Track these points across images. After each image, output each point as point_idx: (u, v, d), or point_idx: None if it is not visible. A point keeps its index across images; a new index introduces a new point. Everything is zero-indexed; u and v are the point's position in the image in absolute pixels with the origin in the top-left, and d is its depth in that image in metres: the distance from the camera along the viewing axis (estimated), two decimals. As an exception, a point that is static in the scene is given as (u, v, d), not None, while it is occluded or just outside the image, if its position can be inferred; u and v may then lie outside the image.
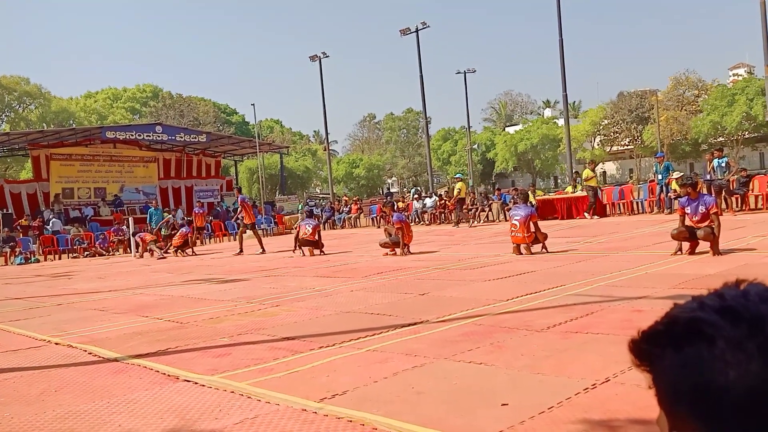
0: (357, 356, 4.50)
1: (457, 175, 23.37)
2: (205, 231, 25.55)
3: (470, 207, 22.73)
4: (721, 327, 0.61)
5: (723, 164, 15.92)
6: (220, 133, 45.40)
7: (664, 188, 17.47)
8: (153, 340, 5.64)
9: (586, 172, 19.10)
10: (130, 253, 20.99)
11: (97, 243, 22.87)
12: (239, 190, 19.18)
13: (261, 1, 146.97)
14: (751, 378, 0.59)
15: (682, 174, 13.23)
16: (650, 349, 0.65)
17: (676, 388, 0.63)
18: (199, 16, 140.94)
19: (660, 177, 17.53)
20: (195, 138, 32.51)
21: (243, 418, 3.36)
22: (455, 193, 21.25)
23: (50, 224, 24.37)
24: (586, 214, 18.38)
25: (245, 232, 17.16)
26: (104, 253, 22.44)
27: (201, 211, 25.06)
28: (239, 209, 17.10)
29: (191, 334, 5.80)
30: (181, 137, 31.85)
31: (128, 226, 21.52)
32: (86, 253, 22.40)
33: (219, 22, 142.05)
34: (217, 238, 26.06)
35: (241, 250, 16.43)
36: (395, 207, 13.78)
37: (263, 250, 16.12)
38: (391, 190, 73.49)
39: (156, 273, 13.16)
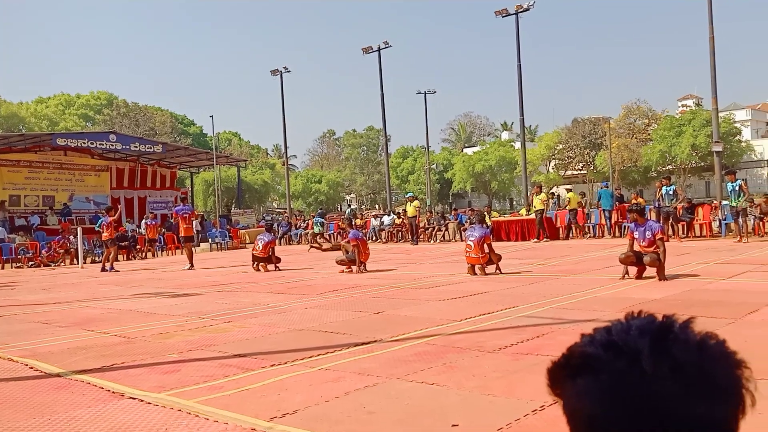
0: (309, 375, 4.46)
1: (409, 194, 23.67)
2: (157, 243, 25.01)
3: (426, 226, 22.95)
4: (605, 361, 0.67)
5: (671, 192, 16.50)
6: (176, 143, 44.66)
7: (608, 214, 18.50)
8: (98, 355, 5.47)
9: (545, 196, 19.61)
10: (77, 263, 20.38)
11: (42, 252, 22.11)
12: (182, 200, 18.03)
13: (224, 14, 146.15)
14: (631, 406, 0.64)
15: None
16: (555, 379, 0.71)
17: (573, 415, 0.69)
18: (159, 25, 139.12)
19: (602, 203, 18.64)
20: (150, 148, 31.88)
21: (190, 437, 3.29)
22: (411, 212, 21.50)
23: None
24: (534, 240, 18.74)
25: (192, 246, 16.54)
26: (50, 263, 21.70)
27: (153, 223, 24.55)
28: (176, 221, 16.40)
29: (139, 350, 5.65)
30: (136, 147, 31.19)
31: (76, 237, 20.89)
32: (31, 263, 21.60)
33: (180, 31, 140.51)
34: (170, 251, 25.51)
35: (192, 265, 15.97)
36: (353, 223, 13.76)
37: (192, 266, 15.72)
38: (351, 207, 73.57)
39: (104, 285, 12.79)
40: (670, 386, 0.64)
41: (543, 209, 18.83)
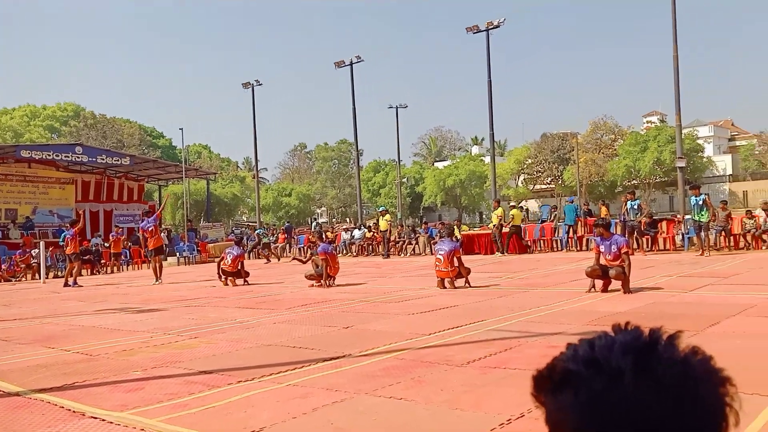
0: (276, 391, 4.41)
1: (381, 208, 23.71)
2: (122, 257, 24.56)
3: (397, 240, 22.99)
4: (586, 378, 0.66)
5: (635, 206, 16.82)
6: (144, 156, 44.05)
7: (570, 229, 18.82)
8: (59, 374, 5.33)
9: (502, 211, 19.85)
10: (39, 278, 19.88)
11: (2, 267, 21.52)
12: (146, 213, 17.37)
13: (194, 26, 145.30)
14: (611, 425, 0.63)
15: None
16: (538, 388, 0.70)
17: (555, 428, 0.68)
18: (129, 37, 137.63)
19: (565, 218, 19.12)
20: (117, 160, 31.41)
21: (152, 457, 3.21)
22: (383, 226, 21.54)
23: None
24: (499, 253, 18.98)
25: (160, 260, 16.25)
26: (11, 278, 21.14)
27: (118, 237, 24.08)
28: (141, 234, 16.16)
29: (101, 368, 5.53)
30: (103, 159, 30.69)
31: (39, 251, 20.40)
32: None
33: (150, 43, 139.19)
34: (136, 265, 25.07)
35: (158, 279, 15.68)
36: (323, 237, 13.70)
37: (159, 280, 15.53)
38: (320, 220, 73.33)
39: (66, 301, 12.49)
40: (652, 405, 0.63)
41: (500, 224, 19.08)
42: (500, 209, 19.64)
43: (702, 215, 14.71)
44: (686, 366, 0.66)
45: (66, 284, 16.09)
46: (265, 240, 26.18)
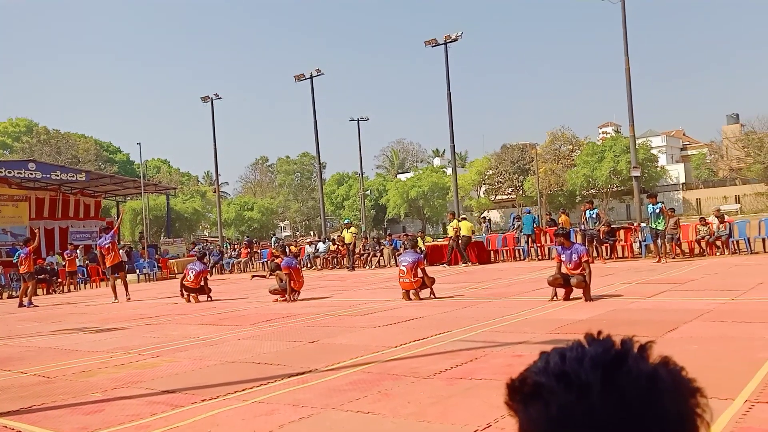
0: (242, 409, 4.35)
1: (346, 221, 23.76)
2: (79, 276, 23.93)
3: (361, 252, 22.98)
4: (555, 392, 0.66)
5: (594, 215, 17.20)
6: (101, 172, 43.15)
7: (529, 238, 19.34)
8: (15, 397, 5.15)
9: (457, 223, 20.12)
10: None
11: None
12: (104, 230, 16.53)
13: (151, 38, 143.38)
14: None
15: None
16: (511, 399, 0.70)
17: None
18: (84, 49, 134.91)
19: (524, 227, 19.45)
20: (73, 176, 30.67)
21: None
22: (348, 238, 21.53)
23: None
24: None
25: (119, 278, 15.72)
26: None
27: (73, 254, 23.46)
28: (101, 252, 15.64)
29: (59, 390, 5.36)
30: (57, 175, 29.94)
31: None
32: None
33: (105, 56, 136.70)
34: (94, 283, 24.43)
35: (117, 297, 15.28)
36: (287, 251, 13.60)
37: (116, 299, 15.13)
38: (283, 234, 72.76)
39: (22, 322, 12.10)
40: (616, 420, 0.64)
41: (456, 235, 19.38)
42: (455, 222, 19.86)
43: (659, 223, 15.15)
44: (654, 379, 0.66)
45: (21, 304, 15.60)
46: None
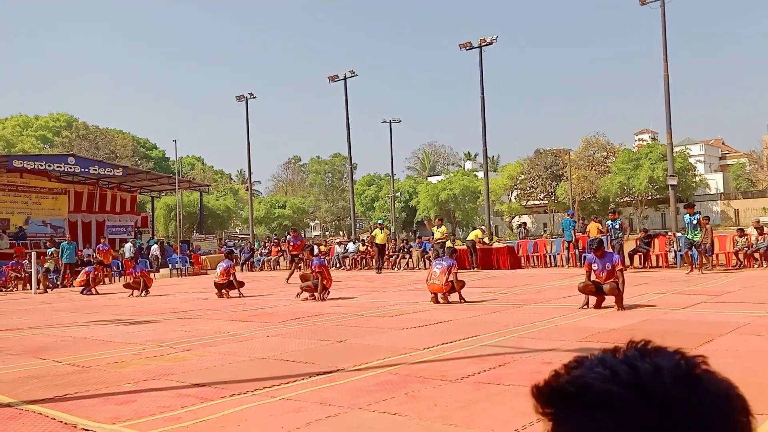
0: (270, 405, 4.39)
1: (379, 221, 23.71)
2: (115, 269, 24.41)
3: (390, 254, 22.94)
4: (635, 406, 0.63)
5: (617, 226, 16.71)
6: (137, 167, 43.99)
7: (570, 245, 18.81)
8: (51, 385, 5.29)
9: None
10: (30, 289, 19.74)
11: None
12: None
13: (190, 39, 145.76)
14: None
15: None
16: (557, 405, 0.67)
17: None
18: (123, 48, 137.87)
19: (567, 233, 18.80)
20: (110, 171, 31.33)
21: (145, 470, 3.19)
22: (381, 239, 21.28)
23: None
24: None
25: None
26: (1, 288, 20.98)
27: (106, 248, 23.96)
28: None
29: (93, 379, 5.49)
30: (95, 170, 30.62)
31: (30, 261, 20.26)
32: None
33: (144, 54, 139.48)
34: (128, 277, 24.88)
35: (139, 291, 15.81)
36: (314, 251, 13.68)
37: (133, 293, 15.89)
38: (313, 234, 73.19)
39: (58, 312, 12.40)
40: None
41: (443, 240, 19.40)
42: (443, 227, 19.77)
43: (695, 234, 14.78)
44: (729, 398, 0.66)
45: (88, 292, 17.19)
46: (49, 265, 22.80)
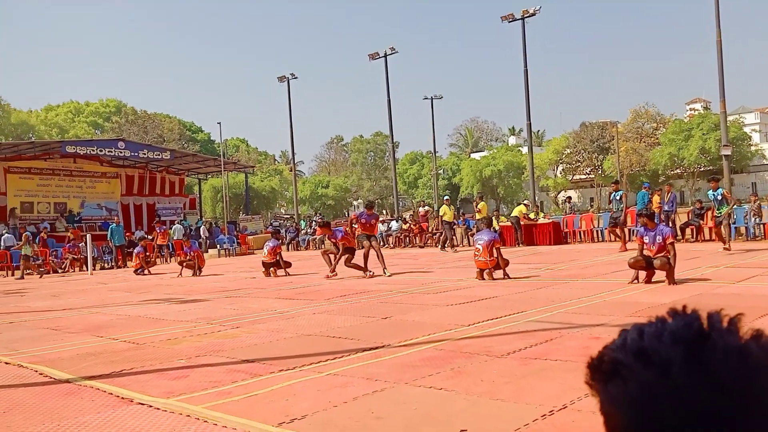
0: (317, 380, 4.46)
1: (445, 197, 23.40)
2: (167, 250, 25.10)
3: (434, 231, 22.88)
4: (634, 370, 0.61)
5: (618, 197, 15.90)
6: (184, 150, 44.85)
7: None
8: (107, 361, 5.49)
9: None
10: (86, 270, 20.49)
11: (51, 259, 22.24)
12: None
13: (231, 22, 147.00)
14: (660, 421, 0.59)
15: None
16: (593, 379, 0.66)
17: (606, 419, 0.65)
18: (167, 33, 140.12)
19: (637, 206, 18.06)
20: (158, 155, 32.08)
21: (198, 442, 3.29)
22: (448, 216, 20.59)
23: (1, 240, 23.37)
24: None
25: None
26: (59, 270, 21.86)
27: (162, 230, 24.66)
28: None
29: (147, 356, 5.67)
30: (144, 154, 31.40)
31: (86, 243, 21.02)
32: (41, 269, 21.75)
33: (187, 38, 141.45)
34: (180, 256, 25.57)
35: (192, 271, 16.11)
36: (330, 226, 13.64)
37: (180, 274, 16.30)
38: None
39: (113, 292, 12.86)
40: (704, 400, 0.58)
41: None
42: (482, 203, 19.23)
43: (722, 209, 13.98)
44: (744, 354, 0.60)
45: (142, 272, 17.87)
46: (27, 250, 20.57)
